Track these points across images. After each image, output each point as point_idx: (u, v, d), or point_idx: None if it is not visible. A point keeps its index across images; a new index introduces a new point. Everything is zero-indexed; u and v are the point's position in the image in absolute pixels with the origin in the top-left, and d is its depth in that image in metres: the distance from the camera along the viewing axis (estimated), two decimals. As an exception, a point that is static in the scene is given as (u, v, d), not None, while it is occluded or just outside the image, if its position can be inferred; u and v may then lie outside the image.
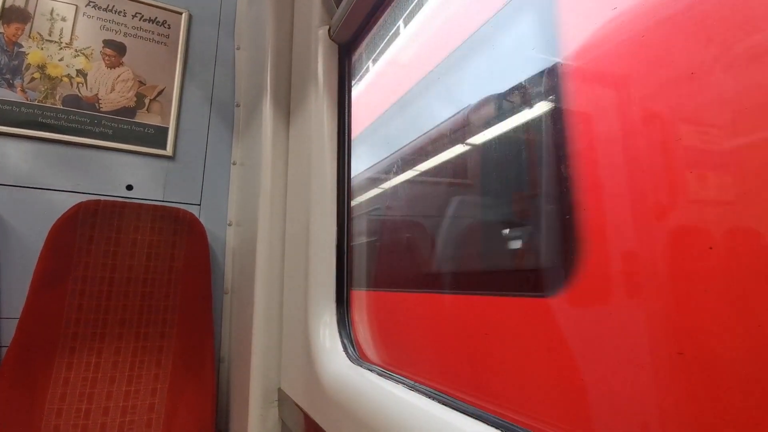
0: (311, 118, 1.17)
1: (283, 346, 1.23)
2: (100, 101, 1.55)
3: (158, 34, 1.67)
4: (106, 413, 1.28)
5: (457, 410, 0.62)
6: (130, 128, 1.57)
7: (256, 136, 1.41)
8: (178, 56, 1.68)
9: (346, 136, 1.15)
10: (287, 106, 1.38)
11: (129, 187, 1.55)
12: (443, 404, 0.65)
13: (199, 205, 1.63)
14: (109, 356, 1.34)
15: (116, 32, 1.62)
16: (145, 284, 1.41)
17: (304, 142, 1.22)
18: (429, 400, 0.68)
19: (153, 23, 1.67)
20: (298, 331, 1.11)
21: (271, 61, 1.37)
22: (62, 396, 1.25)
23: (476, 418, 0.58)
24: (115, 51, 1.61)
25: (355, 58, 1.21)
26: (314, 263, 1.08)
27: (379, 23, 1.12)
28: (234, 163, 1.70)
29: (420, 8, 1.22)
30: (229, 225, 1.65)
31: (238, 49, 1.79)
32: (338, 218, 1.11)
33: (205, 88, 1.71)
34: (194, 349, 1.43)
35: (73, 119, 1.50)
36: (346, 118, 1.16)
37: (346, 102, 1.17)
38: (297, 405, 1.06)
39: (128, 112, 1.58)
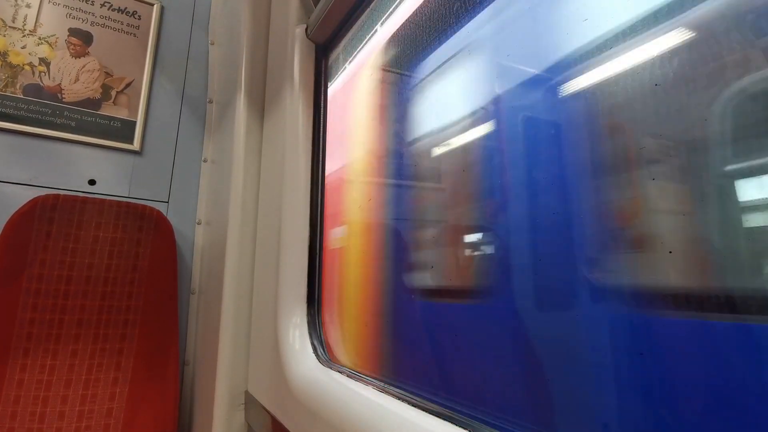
0: (286, 118, 1.16)
1: (251, 347, 1.21)
2: (62, 91, 1.49)
3: (128, 25, 1.62)
4: (62, 417, 1.23)
5: (426, 411, 0.62)
6: (94, 120, 1.51)
7: (229, 134, 1.38)
8: (149, 48, 1.62)
9: (321, 137, 1.14)
10: (261, 105, 1.36)
11: (92, 182, 1.48)
12: (413, 405, 0.65)
13: (167, 202, 1.58)
14: (65, 358, 1.28)
15: (83, 21, 1.56)
16: (106, 283, 1.35)
17: (278, 141, 1.20)
18: (399, 401, 0.68)
19: (122, 13, 1.62)
20: (267, 333, 1.09)
21: (245, 57, 1.35)
22: (16, 398, 1.19)
23: (445, 419, 0.59)
24: (81, 40, 1.54)
25: (332, 58, 1.20)
26: (285, 263, 1.07)
27: (357, 25, 1.12)
28: (205, 161, 1.66)
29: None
30: (198, 223, 1.60)
31: (212, 44, 1.75)
32: (311, 219, 1.10)
33: (176, 82, 1.67)
34: (157, 352, 1.38)
35: (33, 109, 1.43)
36: (322, 118, 1.15)
37: (322, 102, 1.16)
38: (264, 408, 1.04)
39: (93, 103, 1.52)
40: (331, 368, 0.91)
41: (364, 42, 1.22)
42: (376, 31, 1.31)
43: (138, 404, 1.31)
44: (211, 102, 1.70)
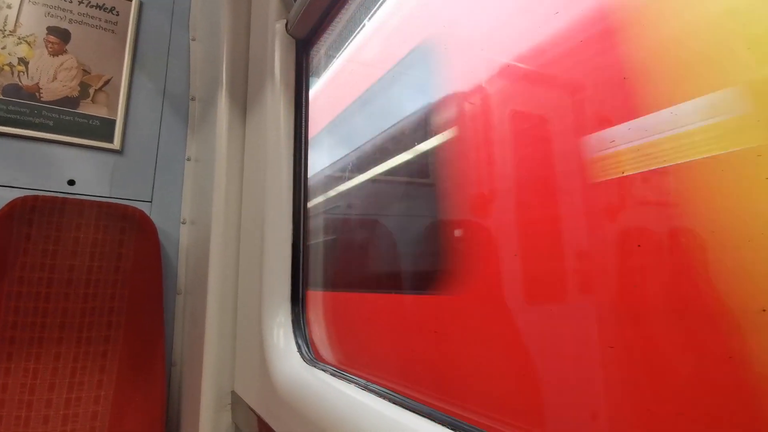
0: (267, 115, 1.14)
1: (237, 347, 1.20)
2: (40, 90, 1.46)
3: (105, 21, 1.58)
4: (46, 421, 1.21)
5: (407, 409, 0.62)
6: (72, 119, 1.48)
7: (211, 132, 1.36)
8: (127, 45, 1.59)
9: (303, 133, 1.13)
10: (243, 101, 1.34)
11: (71, 182, 1.45)
12: (394, 403, 0.65)
13: (150, 202, 1.55)
14: (48, 362, 1.26)
15: (61, 19, 1.53)
16: (88, 285, 1.33)
17: (260, 138, 1.19)
18: (381, 399, 0.68)
19: (100, 9, 1.58)
20: (252, 332, 1.08)
21: (226, 54, 1.33)
22: (0, 402, 1.17)
23: (426, 417, 0.59)
24: (59, 38, 1.51)
25: (313, 54, 1.19)
26: (269, 262, 1.06)
27: (337, 19, 1.11)
28: (188, 159, 1.64)
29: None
30: (183, 223, 1.58)
31: (193, 40, 1.72)
32: (294, 217, 1.09)
33: (157, 79, 1.64)
34: (143, 353, 1.36)
35: (11, 110, 1.40)
36: (303, 114, 1.14)
37: (303, 98, 1.15)
38: (250, 408, 1.03)
39: (70, 102, 1.49)
40: (315, 367, 0.91)
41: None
42: (364, 25, 1.29)
43: (124, 406, 1.30)
44: (193, 99, 1.68)
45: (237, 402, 1.14)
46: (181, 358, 1.48)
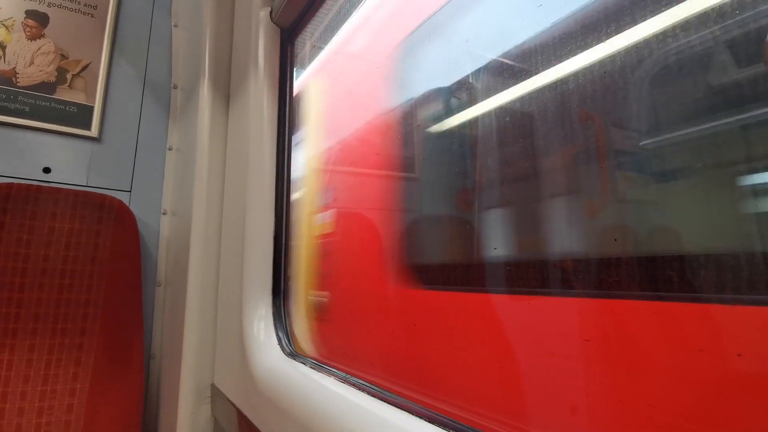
0: (250, 105, 1.12)
1: (217, 340, 1.19)
2: (17, 75, 1.41)
3: (85, 5, 1.53)
4: (21, 414, 1.19)
5: (386, 402, 0.62)
6: (49, 105, 1.44)
7: (194, 121, 1.34)
8: (107, 29, 1.55)
9: (287, 124, 1.12)
10: (227, 90, 1.31)
11: (46, 170, 1.41)
12: (373, 396, 0.65)
13: (130, 191, 1.52)
14: (22, 353, 1.23)
15: (40, 2, 1.48)
16: (63, 276, 1.30)
17: (243, 128, 1.17)
18: (359, 392, 0.68)
19: (79, -8, 1.54)
20: (233, 325, 1.07)
21: (209, 41, 1.30)
22: None
23: (403, 409, 0.59)
24: (37, 22, 1.47)
25: (298, 43, 1.17)
26: (250, 254, 1.05)
27: (323, 9, 1.09)
28: (170, 149, 1.60)
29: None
30: (164, 214, 1.55)
31: (176, 26, 1.68)
32: (276, 209, 1.08)
33: (137, 66, 1.60)
34: (121, 346, 1.34)
35: (-14, 95, 1.36)
36: (287, 105, 1.13)
37: (288, 89, 1.13)
38: (230, 401, 1.02)
39: (47, 87, 1.44)
40: (295, 359, 0.90)
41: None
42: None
43: (100, 399, 1.27)
44: (175, 87, 1.64)
45: (216, 395, 1.13)
46: (161, 350, 1.46)
